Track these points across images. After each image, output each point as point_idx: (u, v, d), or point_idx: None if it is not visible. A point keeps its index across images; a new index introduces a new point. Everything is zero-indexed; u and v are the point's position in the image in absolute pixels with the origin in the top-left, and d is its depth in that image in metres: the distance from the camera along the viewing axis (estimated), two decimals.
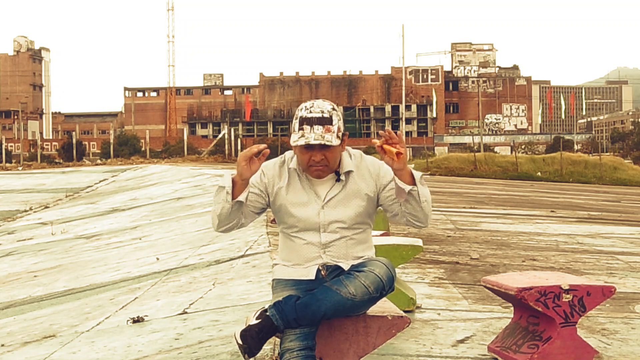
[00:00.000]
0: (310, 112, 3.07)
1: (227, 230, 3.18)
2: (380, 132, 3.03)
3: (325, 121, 3.05)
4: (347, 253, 3.20)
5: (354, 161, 3.22)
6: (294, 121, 3.13)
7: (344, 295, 3.02)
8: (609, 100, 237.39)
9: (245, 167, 3.03)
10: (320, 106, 3.09)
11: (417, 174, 3.04)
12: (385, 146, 2.99)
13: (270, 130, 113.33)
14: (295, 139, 3.06)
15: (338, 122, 3.09)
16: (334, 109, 3.12)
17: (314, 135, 3.03)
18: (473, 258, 8.18)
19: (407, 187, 3.02)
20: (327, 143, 3.04)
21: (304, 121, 3.06)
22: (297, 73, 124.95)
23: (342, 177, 3.18)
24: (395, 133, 3.02)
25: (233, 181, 3.07)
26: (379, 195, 3.21)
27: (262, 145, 3.04)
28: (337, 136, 3.07)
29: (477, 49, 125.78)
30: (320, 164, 3.10)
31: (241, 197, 3.08)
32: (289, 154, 3.28)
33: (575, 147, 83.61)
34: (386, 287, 3.07)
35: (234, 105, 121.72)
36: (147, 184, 28.22)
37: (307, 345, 3.02)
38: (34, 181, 36.72)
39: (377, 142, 3.02)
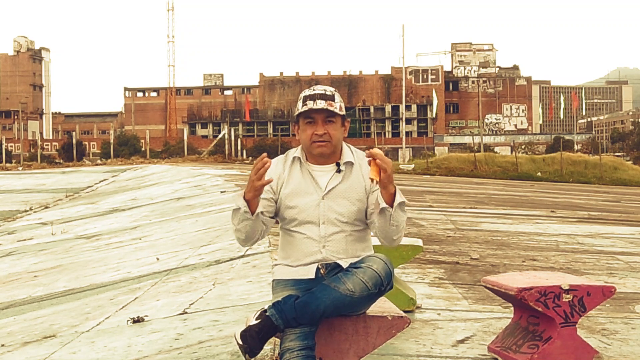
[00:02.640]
0: (314, 90, 3.24)
1: (254, 243, 3.27)
2: (367, 152, 3.08)
3: (328, 97, 3.21)
4: (346, 249, 3.21)
5: (356, 157, 3.28)
6: (298, 104, 3.25)
7: (343, 292, 3.02)
8: (609, 100, 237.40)
9: (260, 185, 3.04)
10: (323, 87, 3.26)
11: (398, 199, 3.06)
12: (372, 163, 3.03)
13: (270, 130, 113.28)
14: (300, 110, 3.20)
15: (340, 102, 3.24)
16: (335, 91, 3.27)
17: (317, 105, 3.17)
18: (473, 258, 8.18)
19: (382, 204, 3.06)
20: (329, 108, 3.16)
21: (307, 98, 3.21)
22: (297, 73, 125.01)
23: (343, 168, 3.23)
24: (386, 154, 3.10)
25: (246, 200, 3.09)
26: (368, 197, 3.22)
27: (263, 157, 3.05)
28: (340, 110, 3.22)
29: (477, 49, 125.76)
30: (323, 139, 3.18)
31: (260, 209, 3.13)
32: (291, 150, 3.33)
33: (575, 147, 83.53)
34: (384, 283, 3.08)
35: (234, 105, 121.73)
36: (147, 184, 28.21)
37: (307, 344, 3.03)
38: (34, 181, 36.71)
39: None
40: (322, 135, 3.18)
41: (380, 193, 3.07)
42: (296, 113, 3.23)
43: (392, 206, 3.05)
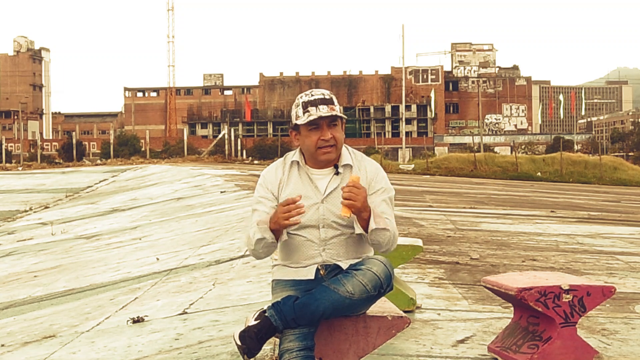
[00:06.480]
0: (312, 95, 3.18)
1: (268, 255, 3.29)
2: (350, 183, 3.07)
3: (328, 102, 3.17)
4: (346, 251, 3.21)
5: (355, 160, 3.27)
6: (295, 109, 3.20)
7: (342, 294, 3.02)
8: (609, 100, 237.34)
9: (288, 224, 3.05)
10: (320, 90, 3.23)
11: (372, 226, 3.07)
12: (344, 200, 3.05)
13: (270, 130, 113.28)
14: (304, 119, 3.15)
15: (338, 105, 3.22)
16: (331, 93, 3.24)
17: (320, 112, 3.13)
18: (473, 258, 8.18)
19: (358, 230, 3.12)
20: (336, 113, 3.14)
21: (307, 104, 3.16)
22: (297, 73, 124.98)
23: (341, 170, 3.22)
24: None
25: (272, 229, 3.10)
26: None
27: (296, 200, 3.05)
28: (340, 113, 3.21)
29: (477, 49, 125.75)
30: (330, 144, 3.16)
31: (284, 236, 3.15)
32: (290, 153, 3.31)
33: (575, 147, 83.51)
34: (384, 285, 3.07)
35: (234, 105, 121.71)
36: (147, 184, 28.21)
37: (306, 345, 3.03)
38: (34, 181, 36.72)
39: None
40: (329, 140, 3.16)
41: (356, 218, 3.10)
42: (300, 121, 3.15)
43: (367, 231, 3.09)
